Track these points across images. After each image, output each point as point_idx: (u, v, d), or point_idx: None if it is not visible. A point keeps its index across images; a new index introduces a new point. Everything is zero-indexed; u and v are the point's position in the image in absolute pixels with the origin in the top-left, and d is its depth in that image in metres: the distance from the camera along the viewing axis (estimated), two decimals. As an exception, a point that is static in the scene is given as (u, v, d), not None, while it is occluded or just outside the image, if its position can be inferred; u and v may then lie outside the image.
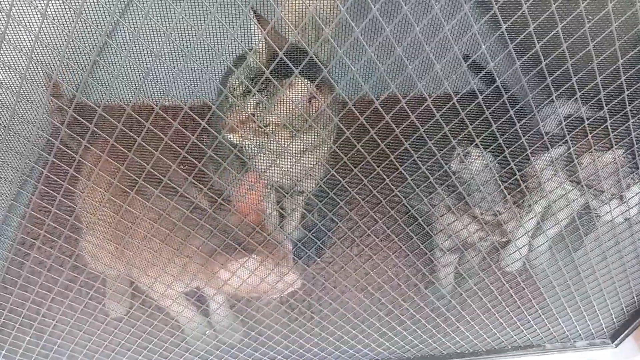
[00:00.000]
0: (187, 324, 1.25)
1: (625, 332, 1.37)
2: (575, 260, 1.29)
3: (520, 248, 1.46)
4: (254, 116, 1.06)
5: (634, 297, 1.29)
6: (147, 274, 1.02)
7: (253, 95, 1.04)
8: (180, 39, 0.76)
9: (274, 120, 1.06)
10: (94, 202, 0.94)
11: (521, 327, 1.35)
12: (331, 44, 0.73)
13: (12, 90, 0.68)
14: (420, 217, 1.16)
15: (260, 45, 1.05)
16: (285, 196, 1.39)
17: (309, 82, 0.99)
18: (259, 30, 1.03)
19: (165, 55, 0.76)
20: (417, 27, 0.66)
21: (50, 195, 0.81)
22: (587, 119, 0.91)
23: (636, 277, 1.24)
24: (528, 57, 0.74)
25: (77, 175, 0.80)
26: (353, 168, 0.86)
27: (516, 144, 0.88)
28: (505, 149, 0.87)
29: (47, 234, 0.89)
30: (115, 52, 0.70)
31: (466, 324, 1.31)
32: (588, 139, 0.97)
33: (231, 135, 1.08)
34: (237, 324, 1.31)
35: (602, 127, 0.89)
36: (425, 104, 0.77)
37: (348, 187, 0.91)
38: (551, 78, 0.76)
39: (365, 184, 0.92)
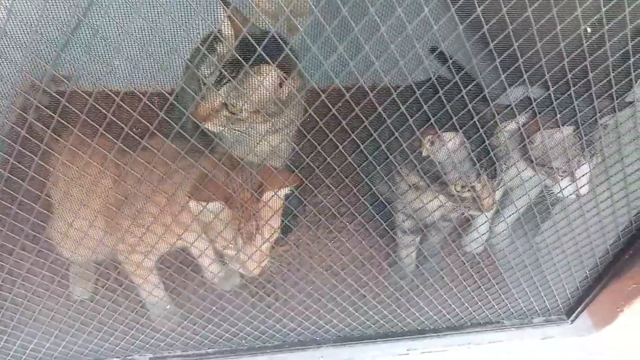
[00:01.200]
0: (148, 298, 1.26)
1: (580, 308, 1.43)
2: (531, 240, 1.35)
3: (480, 229, 1.51)
4: (226, 105, 1.07)
5: (586, 273, 1.34)
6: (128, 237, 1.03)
7: (225, 84, 1.05)
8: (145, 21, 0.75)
9: (247, 106, 1.07)
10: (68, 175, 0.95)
11: (480, 304, 1.40)
12: (302, 35, 0.75)
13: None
14: (382, 197, 1.19)
15: (227, 30, 1.06)
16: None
17: (277, 69, 1.01)
18: (223, 12, 1.05)
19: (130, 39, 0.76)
20: (383, 28, 0.69)
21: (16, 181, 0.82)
22: (535, 99, 0.95)
23: (588, 253, 1.29)
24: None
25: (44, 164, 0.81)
26: (317, 145, 0.88)
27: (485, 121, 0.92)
28: (479, 126, 0.91)
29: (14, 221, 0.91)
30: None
31: (427, 301, 1.34)
32: (537, 118, 1.01)
33: (206, 124, 1.08)
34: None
35: (550, 106, 0.93)
36: (391, 97, 0.81)
37: (313, 165, 0.93)
38: (499, 59, 0.80)
39: (329, 163, 0.95)
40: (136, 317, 1.23)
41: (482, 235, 1.54)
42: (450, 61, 1.18)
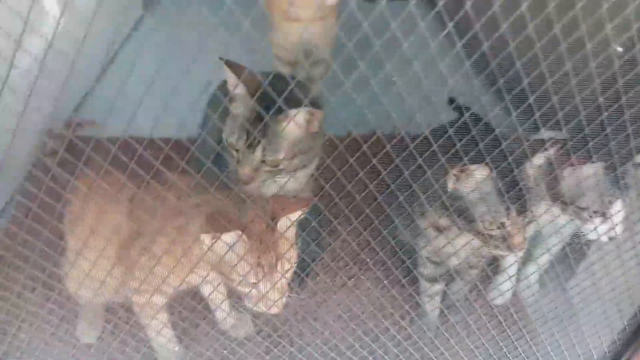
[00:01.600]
0: (156, 338, 1.21)
1: (618, 363, 1.32)
2: (564, 285, 1.27)
3: (506, 281, 1.43)
4: (264, 162, 1.06)
5: (624, 324, 1.25)
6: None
7: (258, 144, 1.04)
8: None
9: (284, 155, 1.06)
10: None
11: (508, 356, 1.31)
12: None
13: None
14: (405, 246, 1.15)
15: (241, 91, 1.06)
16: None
17: (309, 107, 1.01)
18: (236, 80, 1.05)
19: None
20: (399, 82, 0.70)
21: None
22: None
23: (625, 300, 1.21)
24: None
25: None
26: (334, 196, 0.87)
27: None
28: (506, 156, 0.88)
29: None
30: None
31: (451, 352, 1.26)
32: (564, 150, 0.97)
33: (248, 187, 1.07)
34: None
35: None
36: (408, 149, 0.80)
37: (330, 217, 0.92)
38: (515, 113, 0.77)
39: (349, 212, 0.92)
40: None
41: (509, 287, 1.46)
42: (467, 112, 1.16)
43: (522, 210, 0.98)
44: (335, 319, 1.27)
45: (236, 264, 0.86)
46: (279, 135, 1.04)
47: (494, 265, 1.36)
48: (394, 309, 1.29)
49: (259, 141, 1.04)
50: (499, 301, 1.46)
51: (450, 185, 1.01)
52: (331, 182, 0.83)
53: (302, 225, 1.38)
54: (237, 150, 1.08)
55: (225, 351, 1.18)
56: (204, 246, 0.87)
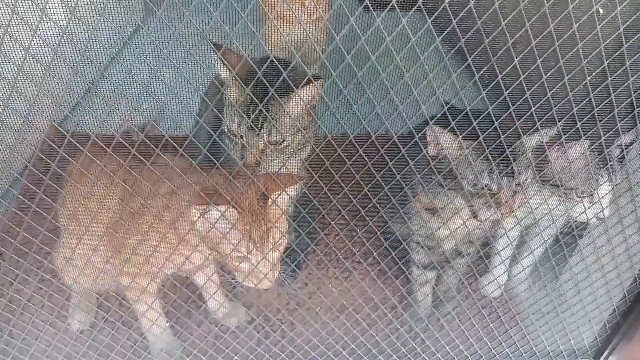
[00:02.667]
0: (151, 329, 1.21)
1: (608, 350, 1.33)
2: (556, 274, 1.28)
3: (498, 271, 1.44)
4: (269, 143, 1.07)
5: (613, 306, 1.26)
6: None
7: (262, 126, 1.05)
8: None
9: (288, 131, 1.07)
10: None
11: (503, 344, 1.31)
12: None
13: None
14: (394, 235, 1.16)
15: (224, 72, 1.07)
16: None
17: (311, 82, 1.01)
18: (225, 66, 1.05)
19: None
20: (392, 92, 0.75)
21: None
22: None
23: (616, 287, 1.22)
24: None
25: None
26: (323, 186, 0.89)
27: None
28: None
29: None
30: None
31: (446, 340, 1.27)
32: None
33: (257, 168, 1.08)
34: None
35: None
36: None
37: (319, 207, 0.94)
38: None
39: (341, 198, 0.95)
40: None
41: (500, 277, 1.46)
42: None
43: (509, 174, 0.99)
44: (326, 310, 1.27)
45: (227, 233, 0.86)
46: (283, 115, 1.05)
47: (486, 249, 1.36)
48: (382, 301, 1.30)
49: (263, 123, 1.05)
50: (493, 293, 1.47)
51: (430, 150, 1.03)
52: (320, 171, 0.86)
53: (294, 216, 1.40)
54: (240, 136, 1.08)
55: (219, 343, 1.17)
56: (193, 218, 0.87)
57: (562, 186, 1.09)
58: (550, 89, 0.86)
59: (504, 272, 1.40)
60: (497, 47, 0.75)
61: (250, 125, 1.05)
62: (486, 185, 1.01)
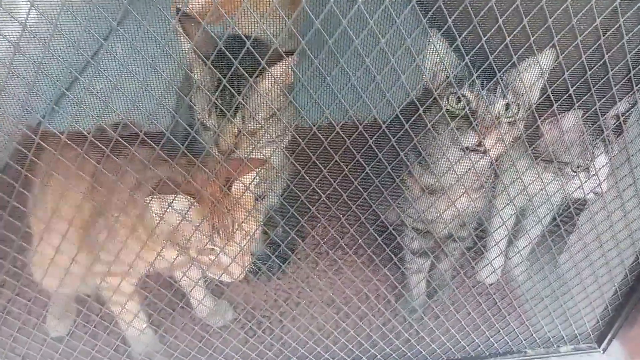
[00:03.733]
0: (129, 331, 1.15)
1: (610, 334, 1.27)
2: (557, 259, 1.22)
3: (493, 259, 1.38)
4: (244, 130, 1.00)
5: (616, 292, 1.20)
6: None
7: (235, 113, 0.98)
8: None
9: (262, 115, 1.01)
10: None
11: (500, 331, 1.25)
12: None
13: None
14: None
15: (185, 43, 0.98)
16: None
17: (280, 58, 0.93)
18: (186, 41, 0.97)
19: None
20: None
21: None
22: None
23: (617, 267, 1.16)
24: None
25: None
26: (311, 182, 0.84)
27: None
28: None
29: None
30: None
31: (442, 329, 1.21)
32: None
33: (233, 154, 1.01)
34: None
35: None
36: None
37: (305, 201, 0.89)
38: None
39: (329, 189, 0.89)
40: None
41: (495, 261, 1.40)
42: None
43: (492, 89, 0.90)
44: (314, 304, 1.21)
45: (178, 224, 0.80)
46: (257, 98, 0.98)
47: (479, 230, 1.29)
48: (372, 292, 1.23)
49: (236, 110, 0.97)
50: (489, 279, 1.40)
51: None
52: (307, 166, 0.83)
53: (282, 212, 1.33)
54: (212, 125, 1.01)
55: (200, 344, 1.11)
56: (152, 213, 0.81)
57: (555, 160, 1.02)
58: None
59: (498, 255, 1.33)
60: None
61: (221, 110, 0.98)
62: (463, 96, 0.91)
